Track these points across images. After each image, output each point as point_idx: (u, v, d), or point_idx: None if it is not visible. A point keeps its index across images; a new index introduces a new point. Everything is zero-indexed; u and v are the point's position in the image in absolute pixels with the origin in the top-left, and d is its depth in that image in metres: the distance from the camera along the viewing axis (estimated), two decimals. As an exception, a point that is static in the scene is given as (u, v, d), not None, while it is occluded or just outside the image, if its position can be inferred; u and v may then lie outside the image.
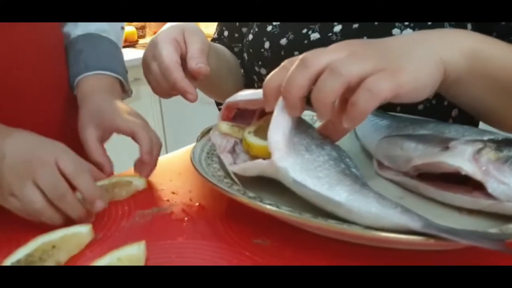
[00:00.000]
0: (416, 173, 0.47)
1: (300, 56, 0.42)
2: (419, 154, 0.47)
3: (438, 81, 0.42)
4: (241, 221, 0.46)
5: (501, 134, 0.48)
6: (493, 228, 0.39)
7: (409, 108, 0.62)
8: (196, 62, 0.56)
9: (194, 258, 0.41)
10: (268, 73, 0.68)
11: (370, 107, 0.38)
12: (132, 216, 0.49)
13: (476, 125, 0.67)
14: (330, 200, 0.40)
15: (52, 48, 0.68)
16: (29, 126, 0.51)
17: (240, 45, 0.78)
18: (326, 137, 0.49)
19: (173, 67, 0.55)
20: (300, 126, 0.48)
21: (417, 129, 0.51)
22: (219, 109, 0.82)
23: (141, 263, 0.41)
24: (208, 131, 0.60)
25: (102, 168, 0.56)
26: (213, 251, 0.42)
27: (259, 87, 0.72)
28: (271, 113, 0.54)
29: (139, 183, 0.55)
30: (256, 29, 0.70)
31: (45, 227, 0.45)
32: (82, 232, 0.44)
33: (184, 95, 0.56)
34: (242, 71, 0.78)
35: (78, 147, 0.56)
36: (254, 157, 0.49)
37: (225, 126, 0.53)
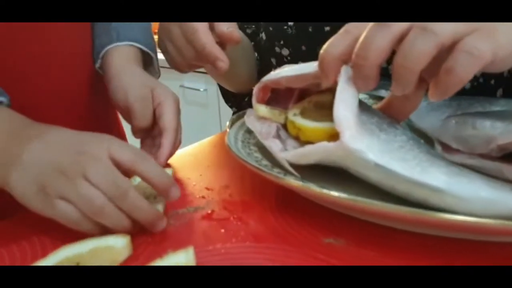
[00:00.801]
0: (500, 154, 0.41)
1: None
2: (501, 132, 0.41)
3: None
4: (301, 217, 0.38)
5: None
6: None
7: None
8: (227, 26, 0.47)
9: (255, 264, 0.33)
10: (291, 54, 0.61)
11: (470, 74, 0.32)
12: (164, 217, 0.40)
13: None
14: (424, 185, 0.33)
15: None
16: (51, 113, 0.44)
17: (254, 26, 0.70)
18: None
19: (202, 29, 0.46)
20: (362, 105, 0.41)
21: (487, 106, 0.45)
22: (225, 100, 0.75)
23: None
24: (238, 117, 0.52)
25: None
26: (277, 254, 0.34)
27: None
28: (314, 93, 0.47)
29: None
30: None
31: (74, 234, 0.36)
32: (117, 246, 0.34)
33: (214, 62, 0.48)
34: (256, 54, 0.70)
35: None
36: (305, 143, 0.42)
37: (263, 109, 0.45)
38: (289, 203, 0.40)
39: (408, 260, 0.33)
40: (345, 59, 0.37)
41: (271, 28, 0.61)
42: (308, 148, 0.38)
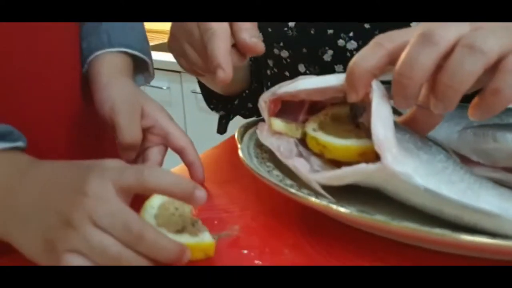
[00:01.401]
0: (528, 168, 0.40)
1: (419, 30, 0.33)
2: None
3: None
4: (340, 243, 0.36)
5: None
6: None
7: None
8: (250, 36, 0.41)
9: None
10: (291, 56, 0.58)
11: None
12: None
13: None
14: (477, 210, 0.32)
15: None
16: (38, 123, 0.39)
17: None
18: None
19: (221, 33, 0.40)
20: None
21: (504, 118, 0.45)
22: (207, 102, 0.69)
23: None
24: (245, 129, 0.49)
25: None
26: None
27: (274, 73, 0.62)
28: (327, 104, 0.45)
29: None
30: None
31: None
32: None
33: (214, 69, 0.40)
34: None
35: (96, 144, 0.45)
36: (330, 161, 0.40)
37: (279, 124, 0.42)
38: (322, 227, 0.37)
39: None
40: (376, 74, 0.35)
41: (269, 29, 0.58)
42: (346, 170, 0.35)
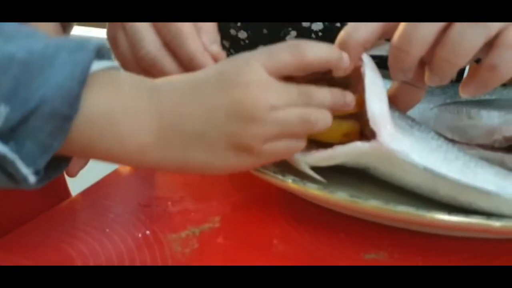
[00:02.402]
0: (505, 144, 0.40)
1: None
2: (502, 122, 0.41)
3: None
4: (331, 232, 0.34)
5: None
6: None
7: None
8: (211, 41, 0.37)
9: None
10: (250, 37, 0.55)
11: None
12: (165, 244, 0.33)
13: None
14: (477, 190, 0.30)
15: None
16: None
17: None
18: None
19: (192, 32, 0.36)
20: None
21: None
22: None
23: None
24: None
25: None
26: None
27: (231, 55, 0.59)
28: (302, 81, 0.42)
29: None
30: None
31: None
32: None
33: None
34: None
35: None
36: (310, 142, 0.37)
37: None
38: (311, 216, 0.35)
39: (459, 263, 0.31)
40: (368, 46, 0.33)
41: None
42: (338, 149, 0.32)
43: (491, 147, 0.41)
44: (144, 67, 0.37)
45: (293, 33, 0.52)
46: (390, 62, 0.33)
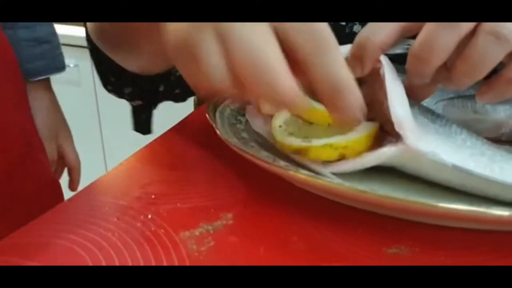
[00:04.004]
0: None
1: None
2: (508, 116, 0.41)
3: None
4: (351, 228, 0.32)
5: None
6: None
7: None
8: None
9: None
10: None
11: None
12: (179, 243, 0.31)
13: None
14: (502, 184, 0.30)
15: None
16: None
17: None
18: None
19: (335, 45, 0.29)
20: None
21: (477, 88, 0.45)
22: (104, 83, 0.54)
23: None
24: (214, 107, 0.43)
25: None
26: None
27: None
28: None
29: None
30: None
31: None
32: None
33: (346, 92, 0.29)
34: None
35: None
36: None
37: (269, 107, 0.38)
38: (328, 212, 0.34)
39: (481, 257, 0.30)
40: (386, 48, 0.33)
41: None
42: (367, 157, 0.32)
43: (498, 140, 0.41)
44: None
45: None
46: (408, 69, 0.32)
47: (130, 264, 0.29)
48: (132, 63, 0.49)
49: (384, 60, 0.34)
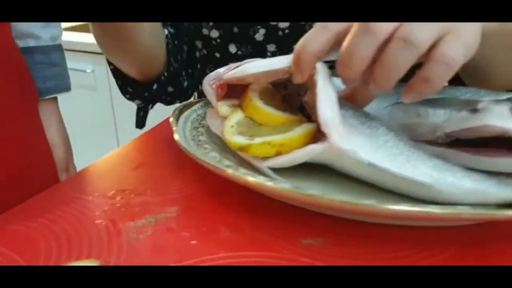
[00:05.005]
0: (446, 140, 0.43)
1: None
2: (445, 120, 0.43)
3: None
4: (274, 220, 0.36)
5: (509, 93, 0.47)
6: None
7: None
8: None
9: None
10: (222, 36, 0.58)
11: (445, 82, 0.33)
12: (123, 232, 0.36)
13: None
14: (416, 182, 0.33)
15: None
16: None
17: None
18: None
19: None
20: None
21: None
22: (123, 92, 0.61)
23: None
24: (180, 112, 0.49)
25: None
26: (256, 262, 0.32)
27: (204, 55, 0.60)
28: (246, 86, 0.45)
29: None
30: None
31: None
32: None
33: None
34: (167, 32, 0.59)
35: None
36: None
37: (226, 109, 0.42)
38: (258, 206, 0.37)
39: (388, 252, 0.33)
40: (322, 56, 0.36)
41: None
42: (298, 153, 0.36)
43: (436, 143, 0.44)
44: None
45: (262, 31, 0.55)
46: (338, 73, 0.35)
47: (76, 249, 0.34)
48: (128, 65, 0.56)
49: (319, 66, 0.37)
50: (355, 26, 0.33)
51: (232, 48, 0.58)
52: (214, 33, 0.58)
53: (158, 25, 0.56)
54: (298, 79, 0.37)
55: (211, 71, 0.48)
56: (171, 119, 0.45)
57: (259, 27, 0.55)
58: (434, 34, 0.33)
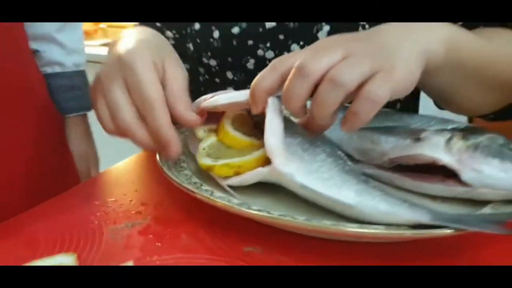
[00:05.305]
0: (391, 165, 0.48)
1: (296, 63, 0.39)
2: (392, 147, 0.48)
3: (421, 72, 0.40)
4: (226, 230, 0.43)
5: (458, 122, 0.51)
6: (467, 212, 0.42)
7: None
8: (185, 107, 0.45)
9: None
10: (219, 64, 0.66)
11: (372, 115, 0.38)
12: (104, 233, 0.44)
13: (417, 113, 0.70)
14: (339, 202, 0.39)
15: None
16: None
17: (178, 35, 0.69)
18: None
19: (160, 106, 0.43)
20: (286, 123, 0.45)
21: (383, 121, 0.52)
22: None
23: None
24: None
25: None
26: (205, 263, 0.39)
27: (206, 80, 0.69)
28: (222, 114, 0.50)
29: None
30: None
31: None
32: (65, 263, 0.38)
33: (166, 145, 0.44)
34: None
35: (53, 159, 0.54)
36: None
37: (202, 133, 0.49)
38: (217, 218, 0.44)
39: (317, 262, 0.39)
40: (272, 92, 0.41)
41: (198, 40, 0.64)
42: (248, 175, 0.43)
43: (385, 168, 0.49)
44: (120, 132, 0.45)
45: (252, 60, 0.63)
46: (284, 106, 0.41)
47: (66, 244, 0.42)
48: None
49: (270, 101, 0.42)
50: (293, 69, 0.39)
51: (229, 75, 0.65)
52: (212, 62, 0.65)
53: None
54: (254, 111, 0.43)
55: None
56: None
57: (249, 57, 0.62)
58: (363, 74, 0.37)
